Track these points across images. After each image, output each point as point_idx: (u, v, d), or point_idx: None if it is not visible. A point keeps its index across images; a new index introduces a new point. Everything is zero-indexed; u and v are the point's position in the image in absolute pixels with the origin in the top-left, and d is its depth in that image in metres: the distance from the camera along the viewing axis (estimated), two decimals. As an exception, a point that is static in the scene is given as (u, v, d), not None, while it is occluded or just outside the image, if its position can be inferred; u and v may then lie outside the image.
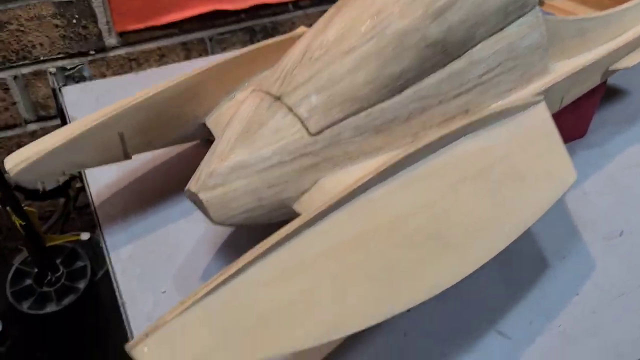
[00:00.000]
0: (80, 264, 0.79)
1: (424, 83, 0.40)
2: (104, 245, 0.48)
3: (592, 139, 0.58)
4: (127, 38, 0.77)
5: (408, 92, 0.40)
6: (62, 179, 0.75)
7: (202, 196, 0.37)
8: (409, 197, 0.35)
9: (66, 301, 0.76)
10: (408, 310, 0.32)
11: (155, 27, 0.77)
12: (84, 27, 0.73)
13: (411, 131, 0.40)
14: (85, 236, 0.76)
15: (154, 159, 0.55)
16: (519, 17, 0.44)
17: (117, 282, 0.45)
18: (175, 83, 0.44)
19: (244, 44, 0.85)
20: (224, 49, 0.86)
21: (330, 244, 0.32)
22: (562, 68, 0.48)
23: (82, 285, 0.77)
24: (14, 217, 0.63)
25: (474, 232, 0.35)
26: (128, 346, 0.28)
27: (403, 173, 0.36)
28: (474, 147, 0.39)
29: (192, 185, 0.38)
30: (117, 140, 0.43)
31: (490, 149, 0.40)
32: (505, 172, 0.39)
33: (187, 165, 0.55)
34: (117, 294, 0.44)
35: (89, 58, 0.75)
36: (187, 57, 0.84)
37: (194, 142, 0.56)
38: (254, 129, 0.38)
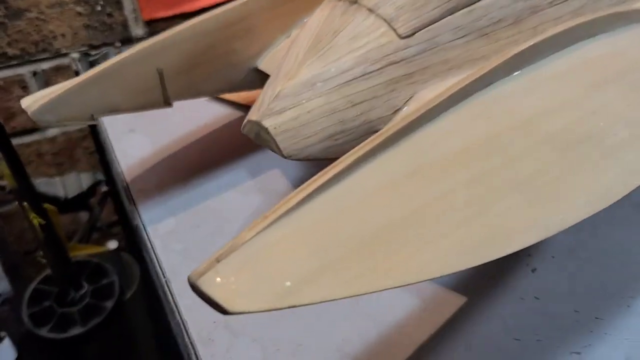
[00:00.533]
0: (107, 280, 0.70)
1: (531, -18, 0.32)
2: (139, 222, 0.40)
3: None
4: (155, 27, 0.70)
5: (512, -10, 0.32)
6: (85, 184, 0.67)
7: (267, 123, 0.29)
8: (543, 95, 0.27)
9: (91, 323, 0.67)
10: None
11: (186, 14, 0.69)
12: (109, 15, 0.67)
13: (521, 38, 0.32)
14: (112, 245, 0.68)
15: (190, 133, 0.47)
16: None
17: (157, 258, 0.36)
18: (222, 11, 0.37)
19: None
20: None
21: (457, 144, 0.24)
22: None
23: (109, 304, 0.68)
24: (32, 215, 0.54)
25: (633, 136, 0.27)
26: (192, 276, 0.19)
27: (529, 70, 0.28)
28: (607, 50, 0.31)
29: (253, 114, 0.30)
30: (156, 79, 0.35)
31: (625, 51, 0.31)
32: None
33: (230, 136, 0.47)
34: (157, 272, 0.36)
35: (115, 51, 0.69)
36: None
37: (239, 115, 0.48)
38: (327, 39, 0.31)
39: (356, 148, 0.23)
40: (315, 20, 0.33)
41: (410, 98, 0.30)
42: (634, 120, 0.27)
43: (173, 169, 0.44)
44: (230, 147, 0.45)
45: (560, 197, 0.23)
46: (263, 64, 0.39)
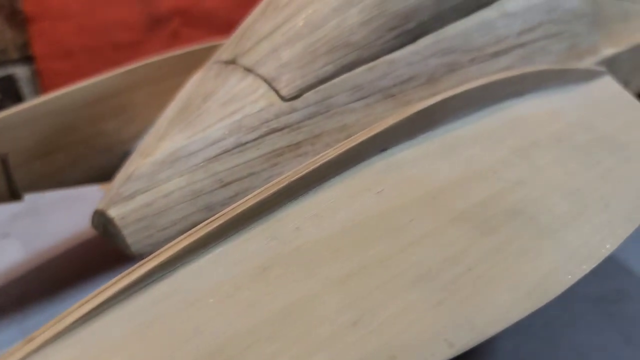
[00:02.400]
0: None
1: (446, 31, 0.27)
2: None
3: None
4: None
5: (425, 41, 0.27)
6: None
7: (113, 212, 0.22)
8: (456, 161, 0.21)
9: None
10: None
11: None
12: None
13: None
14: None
15: (72, 237, 0.40)
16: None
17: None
18: (88, 84, 0.31)
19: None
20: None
21: (333, 227, 0.17)
22: (615, 48, 0.37)
23: None
24: None
25: (574, 209, 0.20)
26: None
27: (439, 132, 0.22)
28: (538, 109, 0.26)
29: (100, 202, 0.23)
30: (-2, 166, 0.29)
31: (561, 113, 0.26)
32: (593, 138, 0.25)
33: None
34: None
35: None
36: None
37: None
38: (196, 105, 0.25)
39: (191, 231, 0.16)
40: (187, 86, 0.27)
41: (298, 174, 0.24)
42: (574, 190, 0.21)
43: (39, 281, 0.36)
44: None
45: (481, 294, 0.16)
46: (143, 148, 0.33)
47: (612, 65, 0.35)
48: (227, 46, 0.27)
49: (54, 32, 0.60)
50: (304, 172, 0.18)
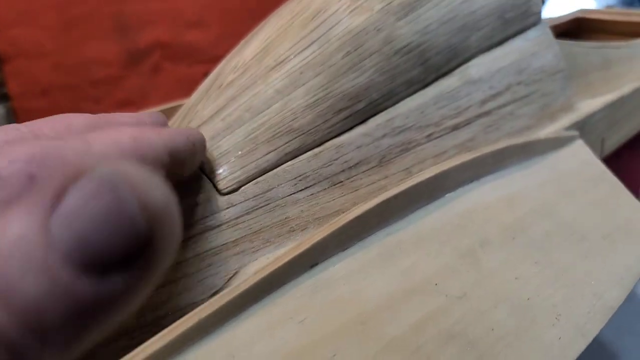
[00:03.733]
0: None
1: (400, 108, 0.26)
2: None
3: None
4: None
5: (376, 121, 0.25)
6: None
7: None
8: (392, 276, 0.19)
9: None
10: None
11: None
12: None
13: (390, 183, 0.25)
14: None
15: None
16: (523, 31, 0.32)
17: None
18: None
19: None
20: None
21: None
22: (593, 104, 0.35)
23: None
24: None
25: (520, 326, 0.19)
26: None
27: (377, 237, 0.21)
28: (493, 196, 0.24)
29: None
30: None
31: (518, 198, 0.25)
32: (551, 230, 0.23)
33: None
34: None
35: None
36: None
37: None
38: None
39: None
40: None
41: (235, 274, 0.22)
42: (522, 300, 0.20)
43: None
44: None
45: None
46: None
47: (588, 124, 0.33)
48: (171, 124, 0.26)
49: (29, 71, 0.59)
50: (217, 306, 0.16)
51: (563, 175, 0.27)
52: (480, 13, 0.29)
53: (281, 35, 0.26)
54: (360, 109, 0.25)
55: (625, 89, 0.37)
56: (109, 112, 0.19)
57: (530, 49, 0.32)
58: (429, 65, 0.27)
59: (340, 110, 0.24)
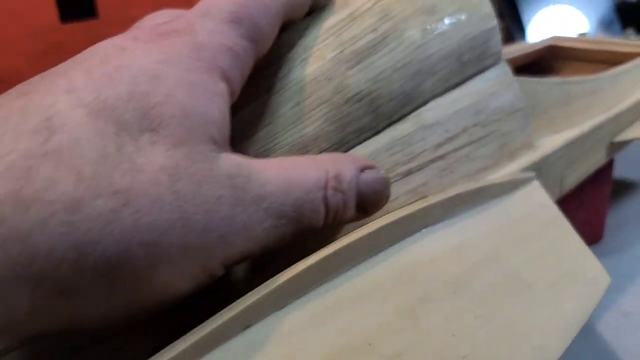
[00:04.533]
0: None
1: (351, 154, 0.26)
2: None
3: (613, 243, 0.44)
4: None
5: (326, 171, 0.26)
6: None
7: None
8: (327, 336, 0.19)
9: None
10: None
11: None
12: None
13: (338, 234, 0.25)
14: None
15: None
16: (481, 71, 0.32)
17: None
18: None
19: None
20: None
21: None
22: (553, 142, 0.35)
23: None
24: None
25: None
26: None
27: (314, 295, 0.21)
28: (439, 247, 0.24)
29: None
30: None
31: (466, 247, 0.25)
32: (495, 281, 0.24)
33: None
34: None
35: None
36: None
37: None
38: None
39: None
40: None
41: None
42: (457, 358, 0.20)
43: None
44: None
45: None
46: None
47: (547, 163, 0.33)
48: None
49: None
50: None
51: (515, 221, 0.27)
52: (436, 57, 0.29)
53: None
54: None
55: (585, 126, 0.37)
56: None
57: (489, 89, 0.32)
58: (380, 112, 0.27)
59: (289, 161, 0.25)
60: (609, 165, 0.42)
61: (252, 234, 0.18)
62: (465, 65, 0.31)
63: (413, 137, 0.28)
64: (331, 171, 0.21)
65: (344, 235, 0.23)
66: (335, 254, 0.21)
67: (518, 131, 0.33)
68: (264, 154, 0.24)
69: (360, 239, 0.22)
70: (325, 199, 0.20)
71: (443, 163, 0.29)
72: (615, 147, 0.40)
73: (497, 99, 0.32)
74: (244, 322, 0.19)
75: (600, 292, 0.25)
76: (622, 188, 0.50)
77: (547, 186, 0.32)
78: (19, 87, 0.17)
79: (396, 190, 0.27)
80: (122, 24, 0.65)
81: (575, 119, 0.38)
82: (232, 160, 0.18)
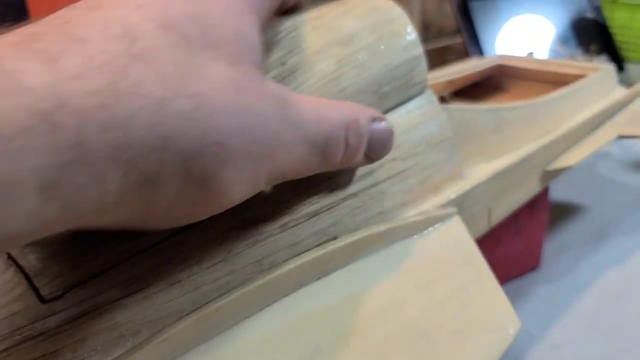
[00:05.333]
0: None
1: (251, 198, 0.25)
2: None
3: (550, 270, 0.43)
4: None
5: (224, 212, 0.24)
6: None
7: None
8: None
9: None
10: None
11: None
12: None
13: (236, 278, 0.24)
14: None
15: None
16: (403, 103, 0.31)
17: None
18: None
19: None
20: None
21: None
22: (482, 172, 0.35)
23: None
24: None
25: None
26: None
27: (197, 353, 0.20)
28: (337, 296, 0.23)
29: None
30: None
31: (366, 295, 0.24)
32: (393, 330, 0.23)
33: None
34: None
35: None
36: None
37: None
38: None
39: None
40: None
41: (54, 388, 0.21)
42: None
43: None
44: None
45: None
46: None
47: (470, 197, 0.33)
48: None
49: None
50: None
51: (425, 263, 0.27)
52: (351, 90, 0.28)
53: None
54: None
55: (517, 154, 0.36)
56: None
57: (411, 121, 0.31)
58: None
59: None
60: (544, 192, 0.41)
61: (290, 155, 0.21)
62: (385, 97, 0.30)
63: (322, 175, 0.27)
64: (351, 115, 0.23)
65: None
66: (216, 310, 0.20)
67: (443, 162, 0.32)
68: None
69: (258, 287, 0.21)
70: (346, 137, 0.23)
71: (355, 201, 0.28)
72: (549, 175, 0.39)
73: (419, 130, 0.31)
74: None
75: (508, 339, 0.25)
76: (561, 211, 0.50)
77: (473, 219, 0.32)
78: (83, 3, 0.18)
79: (301, 232, 0.26)
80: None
81: (507, 147, 0.37)
82: (275, 86, 0.21)
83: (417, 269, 0.26)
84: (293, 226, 0.26)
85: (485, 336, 0.24)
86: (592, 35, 0.80)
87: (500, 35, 0.80)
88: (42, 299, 0.21)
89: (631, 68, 0.86)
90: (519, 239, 0.40)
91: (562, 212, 0.49)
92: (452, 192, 0.32)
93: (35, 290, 0.22)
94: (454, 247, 0.28)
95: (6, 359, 0.21)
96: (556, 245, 0.44)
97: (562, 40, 0.78)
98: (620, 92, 0.47)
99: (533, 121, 0.40)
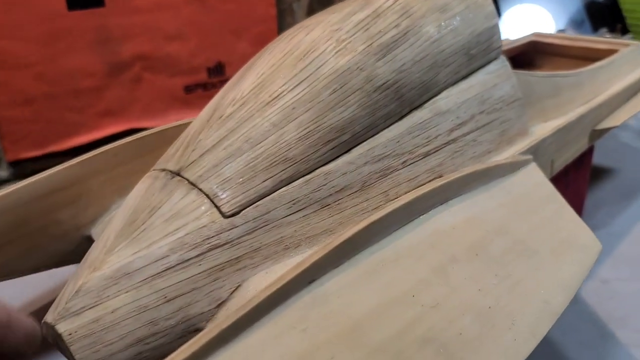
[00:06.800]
0: None
1: (379, 138, 0.30)
2: None
3: (591, 221, 0.48)
4: (22, 168, 0.64)
5: (359, 150, 0.29)
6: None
7: (61, 327, 0.24)
8: (377, 289, 0.23)
9: None
10: None
11: (57, 152, 0.65)
12: (-32, 153, 0.61)
13: (370, 205, 0.29)
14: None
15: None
16: (485, 65, 0.36)
17: None
18: (45, 176, 0.32)
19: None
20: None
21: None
22: (545, 129, 0.39)
23: None
24: None
25: (483, 331, 0.23)
26: None
27: (363, 256, 0.24)
28: (459, 218, 0.28)
29: (49, 314, 0.25)
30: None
31: (480, 219, 0.29)
32: (507, 246, 0.27)
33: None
34: None
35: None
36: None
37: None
38: (142, 219, 0.26)
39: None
40: (134, 194, 0.28)
41: (238, 287, 0.26)
42: (484, 309, 0.24)
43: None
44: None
45: None
46: (97, 233, 0.35)
47: (540, 148, 0.37)
48: (173, 153, 0.29)
49: (13, 81, 0.60)
50: (233, 319, 0.20)
51: (518, 197, 0.31)
52: (448, 51, 0.33)
53: (274, 73, 0.29)
54: (345, 140, 0.28)
55: (572, 114, 0.41)
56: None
57: (492, 81, 0.36)
58: (403, 100, 0.30)
59: (328, 142, 0.28)
60: (589, 152, 0.46)
61: None
62: (473, 58, 0.34)
63: (430, 123, 0.31)
64: None
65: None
66: (377, 221, 0.24)
67: (515, 119, 0.37)
68: (306, 135, 0.27)
69: (395, 209, 0.25)
70: None
71: (454, 146, 0.32)
72: (596, 134, 0.44)
73: (498, 89, 0.36)
74: (309, 278, 0.22)
75: (594, 257, 0.29)
76: (599, 174, 0.55)
77: (541, 167, 0.36)
78: None
79: (418, 169, 0.30)
80: (127, 13, 0.68)
81: (562, 109, 0.42)
82: None
83: (513, 202, 0.31)
84: (411, 163, 0.30)
85: (577, 253, 0.29)
86: (604, 17, 0.85)
87: (509, 20, 0.85)
88: (224, 215, 0.26)
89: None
90: (568, 193, 0.45)
91: (594, 175, 0.54)
92: (524, 144, 0.36)
93: (217, 208, 0.26)
94: (537, 186, 0.33)
95: (196, 263, 0.25)
96: (595, 202, 0.49)
97: (576, 23, 0.83)
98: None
99: (581, 88, 0.44)
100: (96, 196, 0.34)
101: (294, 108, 0.28)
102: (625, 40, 0.57)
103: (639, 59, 0.52)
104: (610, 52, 0.52)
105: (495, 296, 0.24)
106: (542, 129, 0.39)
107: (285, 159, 0.27)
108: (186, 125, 0.34)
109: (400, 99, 0.30)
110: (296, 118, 0.28)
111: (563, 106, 0.43)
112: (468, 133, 0.33)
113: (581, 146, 0.43)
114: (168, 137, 0.37)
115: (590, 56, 0.55)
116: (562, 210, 0.32)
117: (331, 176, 0.28)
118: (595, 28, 0.85)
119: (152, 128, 0.72)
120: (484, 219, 0.28)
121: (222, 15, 0.72)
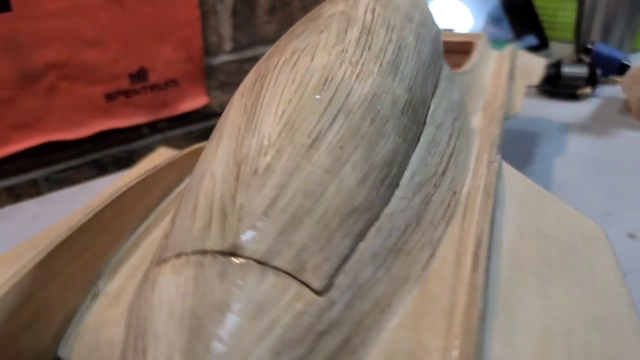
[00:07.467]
0: None
1: (413, 164, 0.27)
2: None
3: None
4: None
5: (404, 182, 0.26)
6: None
7: None
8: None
9: None
10: None
11: None
12: None
13: (427, 238, 0.26)
14: None
15: None
16: (441, 70, 0.35)
17: None
18: None
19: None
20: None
21: None
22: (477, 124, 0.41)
23: None
24: None
25: (606, 341, 0.22)
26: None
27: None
28: (512, 227, 0.27)
29: None
30: None
31: (521, 232, 0.28)
32: (557, 251, 0.27)
33: None
34: None
35: None
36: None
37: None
38: (214, 324, 0.20)
39: None
40: (169, 297, 0.21)
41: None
42: (594, 320, 0.23)
43: None
44: None
45: None
46: (69, 351, 0.26)
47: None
48: (202, 227, 0.22)
49: None
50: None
51: (523, 192, 0.31)
52: (426, 61, 0.31)
53: (298, 109, 0.24)
54: (395, 174, 0.25)
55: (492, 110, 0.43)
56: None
57: (449, 86, 0.35)
58: (418, 118, 0.28)
59: (384, 179, 0.24)
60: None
61: None
62: (436, 65, 0.34)
63: (436, 139, 0.30)
64: None
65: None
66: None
67: (468, 121, 0.37)
68: (364, 177, 0.24)
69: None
70: None
71: (454, 158, 0.31)
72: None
73: (454, 94, 0.36)
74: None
75: (607, 241, 0.30)
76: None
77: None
78: None
79: (442, 189, 0.29)
80: (38, 18, 0.60)
81: (474, 104, 0.44)
82: None
83: (526, 198, 0.31)
84: (440, 184, 0.28)
85: (598, 242, 0.30)
86: (521, 15, 0.88)
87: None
88: (316, 292, 0.21)
89: (554, 46, 0.94)
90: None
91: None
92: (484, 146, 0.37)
93: (306, 285, 0.21)
94: (524, 182, 0.33)
95: (308, 357, 0.20)
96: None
97: (494, 20, 0.86)
98: (496, 54, 0.58)
99: (477, 82, 0.47)
100: (59, 303, 0.25)
101: (341, 147, 0.24)
102: (481, 33, 0.62)
103: (489, 47, 0.57)
104: (469, 45, 0.56)
105: (589, 304, 0.24)
106: (476, 123, 0.40)
107: (353, 209, 0.23)
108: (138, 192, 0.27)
109: (416, 118, 0.28)
110: (349, 159, 0.24)
111: (473, 102, 0.45)
112: (456, 141, 0.32)
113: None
114: (125, 208, 0.29)
115: (461, 49, 0.58)
116: (553, 201, 0.33)
117: (394, 217, 0.24)
118: (513, 25, 0.87)
119: (71, 140, 0.65)
120: (525, 229, 0.28)
121: (143, 20, 0.67)
